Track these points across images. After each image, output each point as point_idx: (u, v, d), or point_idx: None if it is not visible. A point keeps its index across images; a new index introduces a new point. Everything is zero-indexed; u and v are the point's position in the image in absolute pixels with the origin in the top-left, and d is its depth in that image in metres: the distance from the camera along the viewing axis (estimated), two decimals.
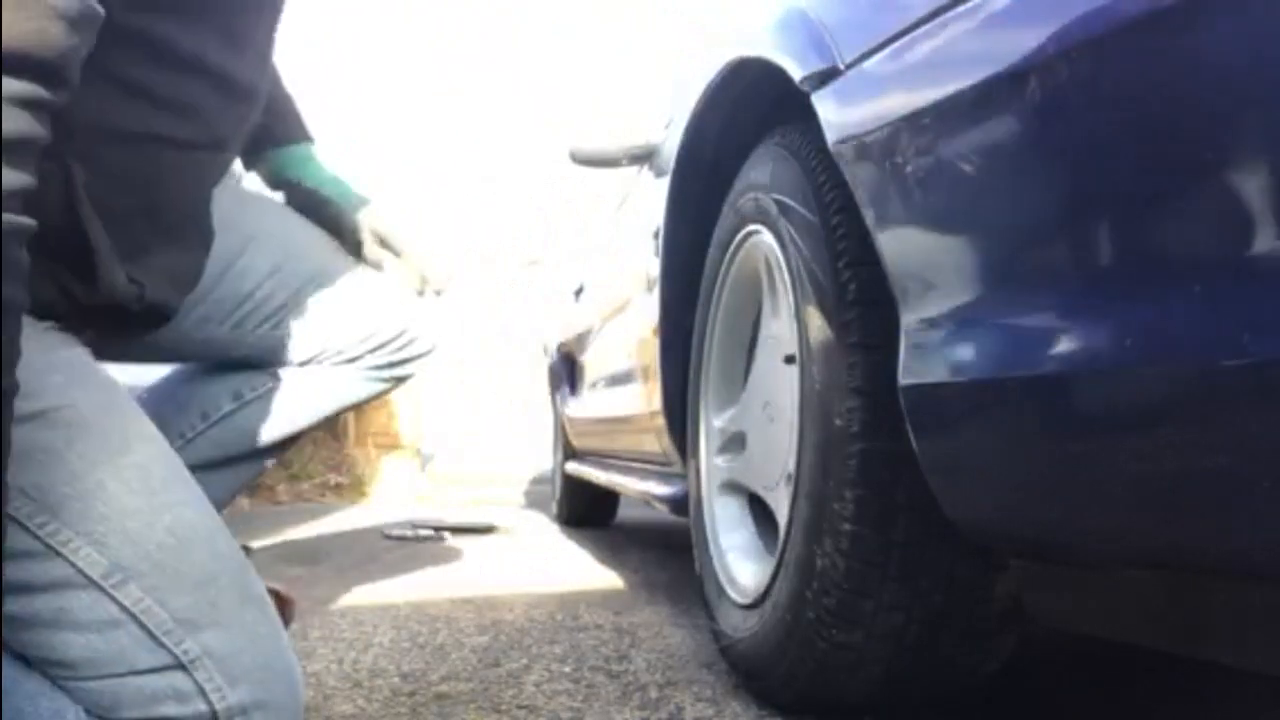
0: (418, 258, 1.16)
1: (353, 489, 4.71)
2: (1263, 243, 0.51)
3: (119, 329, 0.79)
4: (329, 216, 1.14)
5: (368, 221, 1.15)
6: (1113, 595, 0.78)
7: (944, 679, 0.97)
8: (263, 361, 1.09)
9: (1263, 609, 0.64)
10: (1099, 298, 0.61)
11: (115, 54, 0.67)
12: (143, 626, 0.67)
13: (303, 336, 1.09)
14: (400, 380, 1.17)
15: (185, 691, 0.68)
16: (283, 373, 1.10)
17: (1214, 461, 0.55)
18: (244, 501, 3.93)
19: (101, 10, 0.60)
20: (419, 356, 1.15)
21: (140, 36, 0.74)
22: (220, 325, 1.05)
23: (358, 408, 1.23)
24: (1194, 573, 0.67)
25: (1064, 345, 0.63)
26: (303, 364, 1.10)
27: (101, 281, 0.73)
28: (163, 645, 0.68)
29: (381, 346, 1.12)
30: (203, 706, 0.68)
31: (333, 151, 1.23)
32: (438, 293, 1.18)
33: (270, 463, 1.19)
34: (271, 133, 1.12)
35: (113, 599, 0.67)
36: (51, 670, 0.67)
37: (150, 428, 0.75)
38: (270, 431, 1.11)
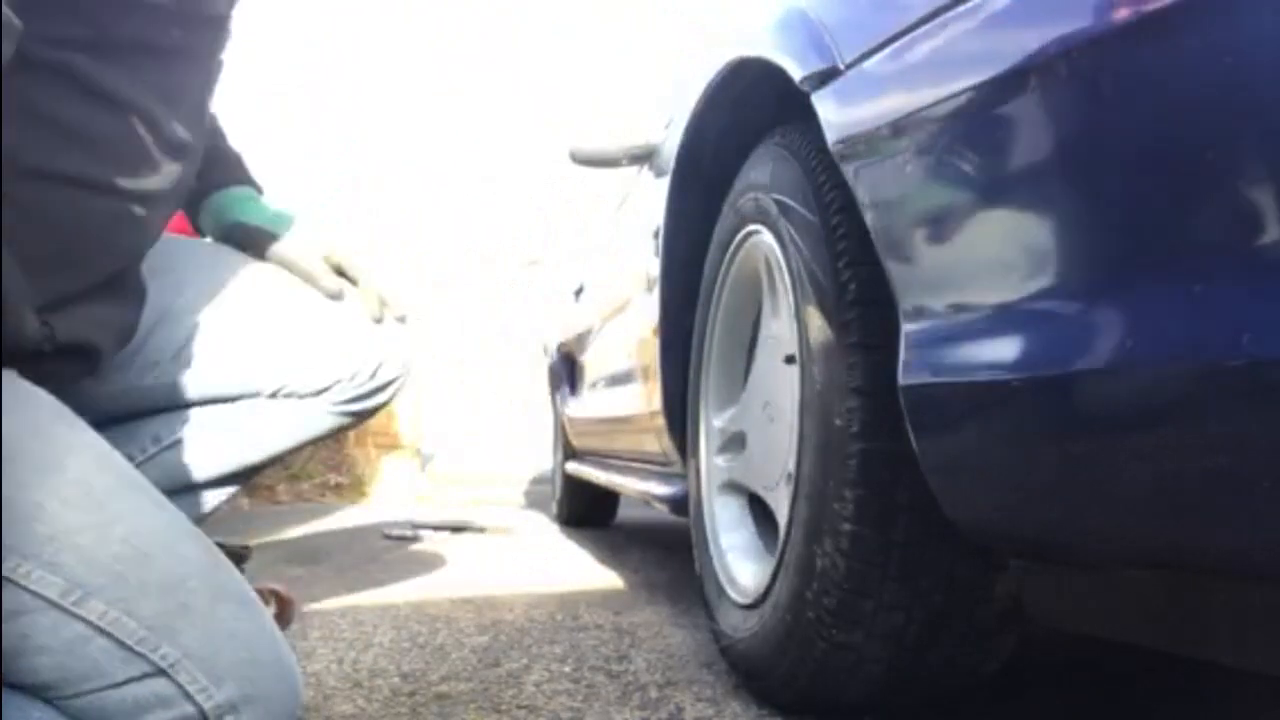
0: (376, 284, 1.14)
1: (353, 489, 4.71)
2: (1263, 243, 0.51)
3: (42, 375, 0.76)
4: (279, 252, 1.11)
5: (322, 251, 1.12)
6: (1113, 595, 0.78)
7: (944, 679, 0.97)
8: (220, 400, 1.07)
9: (1263, 609, 0.64)
10: (1099, 298, 0.61)
11: (33, 87, 0.65)
12: (113, 639, 0.66)
13: (261, 369, 1.07)
14: (368, 413, 1.14)
15: (169, 696, 0.68)
16: (246, 403, 1.08)
17: (1214, 461, 0.55)
18: (244, 501, 3.94)
19: (19, 23, 0.59)
20: (390, 384, 1.12)
21: (58, 69, 0.72)
22: (166, 369, 1.03)
23: (320, 441, 1.20)
24: (1194, 573, 0.67)
25: (1064, 345, 0.63)
26: (270, 396, 1.08)
27: (7, 320, 0.70)
28: (138, 654, 0.67)
29: (351, 377, 1.09)
30: (190, 709, 0.68)
31: (285, 197, 1.21)
32: (401, 319, 1.16)
33: (232, 490, 1.16)
34: (213, 179, 1.10)
35: (76, 617, 0.66)
36: (34, 692, 0.67)
37: (90, 441, 0.73)
38: (229, 461, 1.09)
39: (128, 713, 0.67)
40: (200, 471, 1.09)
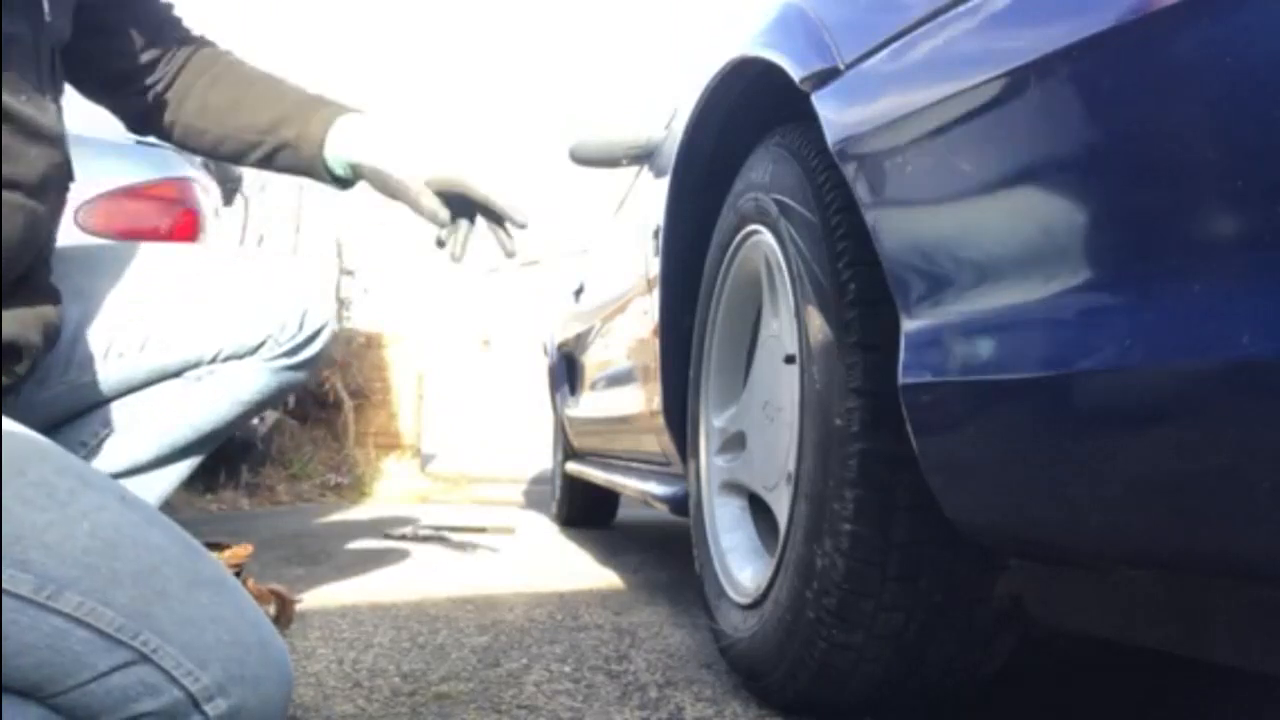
0: (489, 192, 1.13)
1: (353, 489, 4.71)
2: (1263, 243, 0.51)
3: None
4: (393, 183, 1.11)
5: (425, 174, 1.11)
6: (1113, 595, 0.78)
7: (944, 679, 0.97)
8: (165, 376, 1.10)
9: (1263, 609, 0.64)
10: (1099, 297, 0.61)
11: None
12: (92, 629, 0.66)
13: (195, 336, 1.09)
14: (307, 365, 1.16)
15: (155, 683, 0.67)
16: (190, 374, 1.11)
17: (1214, 461, 0.55)
18: (244, 501, 3.94)
19: None
20: (319, 332, 1.14)
21: None
22: (108, 360, 1.06)
23: (269, 405, 1.21)
24: (1194, 573, 0.67)
25: (1064, 345, 0.63)
26: (210, 362, 1.11)
27: None
28: (119, 642, 0.67)
29: (281, 329, 1.11)
30: (177, 693, 0.68)
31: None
32: (523, 225, 1.14)
33: (196, 461, 1.18)
34: (323, 115, 1.11)
35: (52, 611, 0.65)
36: (23, 694, 0.67)
37: (44, 445, 0.74)
38: (184, 432, 1.12)
39: (116, 703, 0.67)
40: (157, 447, 1.11)
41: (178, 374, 1.10)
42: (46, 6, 0.89)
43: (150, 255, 1.11)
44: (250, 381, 1.12)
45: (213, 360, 1.10)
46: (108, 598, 0.67)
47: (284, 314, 1.11)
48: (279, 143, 1.11)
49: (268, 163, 1.15)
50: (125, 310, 1.07)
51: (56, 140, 0.89)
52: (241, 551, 1.48)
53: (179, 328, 1.09)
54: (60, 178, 0.90)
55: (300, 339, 1.13)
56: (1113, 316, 0.60)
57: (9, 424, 0.74)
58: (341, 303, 6.09)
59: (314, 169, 1.13)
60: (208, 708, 0.68)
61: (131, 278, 1.08)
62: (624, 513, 3.52)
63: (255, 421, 3.65)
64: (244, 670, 0.71)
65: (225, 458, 3.83)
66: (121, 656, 0.67)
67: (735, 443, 1.30)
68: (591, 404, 2.74)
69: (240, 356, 1.11)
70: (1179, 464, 0.58)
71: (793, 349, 1.05)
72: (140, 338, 1.07)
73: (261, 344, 1.11)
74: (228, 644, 0.71)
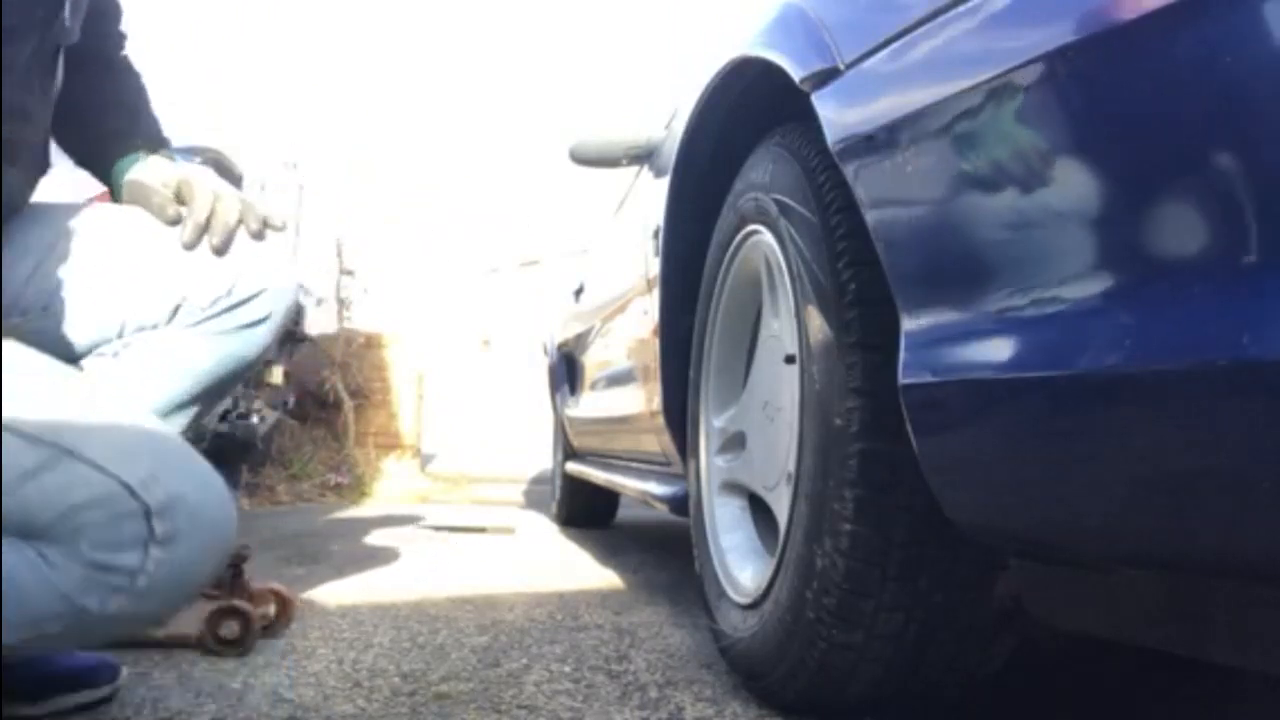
0: (211, 201, 1.11)
1: (353, 489, 4.71)
2: (1263, 243, 0.51)
3: None
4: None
5: (163, 177, 1.12)
6: (1113, 595, 0.78)
7: (944, 679, 0.97)
8: (75, 357, 1.07)
9: (1263, 609, 0.64)
10: (1099, 297, 0.61)
11: None
12: (14, 432, 0.67)
13: (103, 305, 1.06)
14: (258, 324, 1.11)
15: (85, 475, 0.68)
16: (104, 349, 1.07)
17: (1213, 461, 0.55)
18: (244, 501, 3.94)
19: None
20: (255, 296, 1.10)
21: None
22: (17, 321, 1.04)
23: (253, 365, 1.16)
24: (1194, 573, 0.67)
25: (1064, 345, 0.63)
26: (139, 330, 1.07)
27: None
28: (39, 441, 0.68)
29: (195, 293, 1.07)
30: (111, 482, 0.69)
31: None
32: (276, 227, 1.13)
33: (191, 412, 1.13)
34: (117, 149, 1.15)
35: None
36: None
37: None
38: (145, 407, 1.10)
39: (47, 499, 0.68)
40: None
41: (91, 352, 1.07)
42: (68, 10, 0.90)
43: (85, 218, 1.09)
44: (191, 348, 1.08)
45: (119, 335, 1.07)
46: (25, 411, 0.68)
47: (195, 278, 1.07)
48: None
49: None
50: (30, 274, 1.04)
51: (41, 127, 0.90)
52: (242, 552, 1.48)
53: (96, 291, 1.06)
54: (39, 160, 0.92)
55: (231, 301, 1.08)
56: (1113, 316, 0.60)
57: None
58: (341, 303, 6.09)
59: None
60: (145, 495, 0.69)
61: (46, 242, 1.06)
62: (624, 513, 3.52)
63: (255, 421, 3.64)
64: (174, 461, 0.71)
65: (225, 458, 3.83)
66: (44, 453, 0.68)
67: (735, 443, 1.30)
68: (591, 404, 2.74)
69: (155, 326, 1.07)
70: (1179, 464, 0.58)
71: (793, 349, 1.05)
72: (42, 301, 1.05)
73: (175, 311, 1.07)
74: (154, 441, 0.71)
